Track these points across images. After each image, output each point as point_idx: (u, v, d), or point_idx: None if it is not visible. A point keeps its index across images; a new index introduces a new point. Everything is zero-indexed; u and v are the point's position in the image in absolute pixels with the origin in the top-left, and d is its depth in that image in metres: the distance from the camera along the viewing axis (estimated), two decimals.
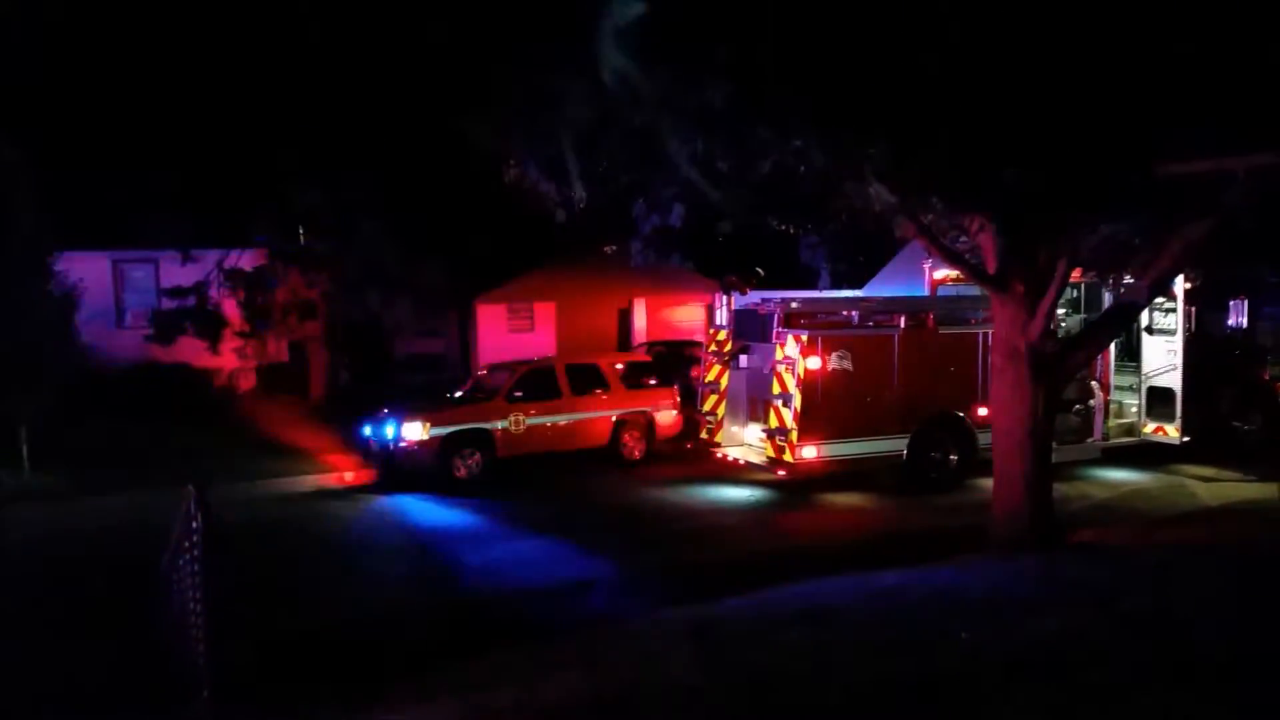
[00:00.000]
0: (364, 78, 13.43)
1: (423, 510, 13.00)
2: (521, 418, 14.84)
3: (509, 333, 24.41)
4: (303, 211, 19.30)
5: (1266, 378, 15.46)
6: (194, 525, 4.91)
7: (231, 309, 19.76)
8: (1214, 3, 6.86)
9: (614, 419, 15.71)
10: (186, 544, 4.94)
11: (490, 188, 9.59)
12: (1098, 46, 6.80)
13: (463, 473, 14.29)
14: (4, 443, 13.79)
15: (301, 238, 19.64)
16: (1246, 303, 14.85)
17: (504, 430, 14.65)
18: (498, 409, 14.74)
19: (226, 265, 19.58)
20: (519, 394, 14.98)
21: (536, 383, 15.28)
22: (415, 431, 14.06)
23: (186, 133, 17.64)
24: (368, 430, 14.85)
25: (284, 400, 20.06)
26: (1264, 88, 7.02)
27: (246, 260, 19.91)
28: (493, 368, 16.91)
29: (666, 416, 16.26)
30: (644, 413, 16.04)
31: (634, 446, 15.86)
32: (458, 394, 15.90)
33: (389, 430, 14.22)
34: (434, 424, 14.18)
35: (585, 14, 6.26)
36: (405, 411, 14.49)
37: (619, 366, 16.57)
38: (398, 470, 14.24)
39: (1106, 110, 7.30)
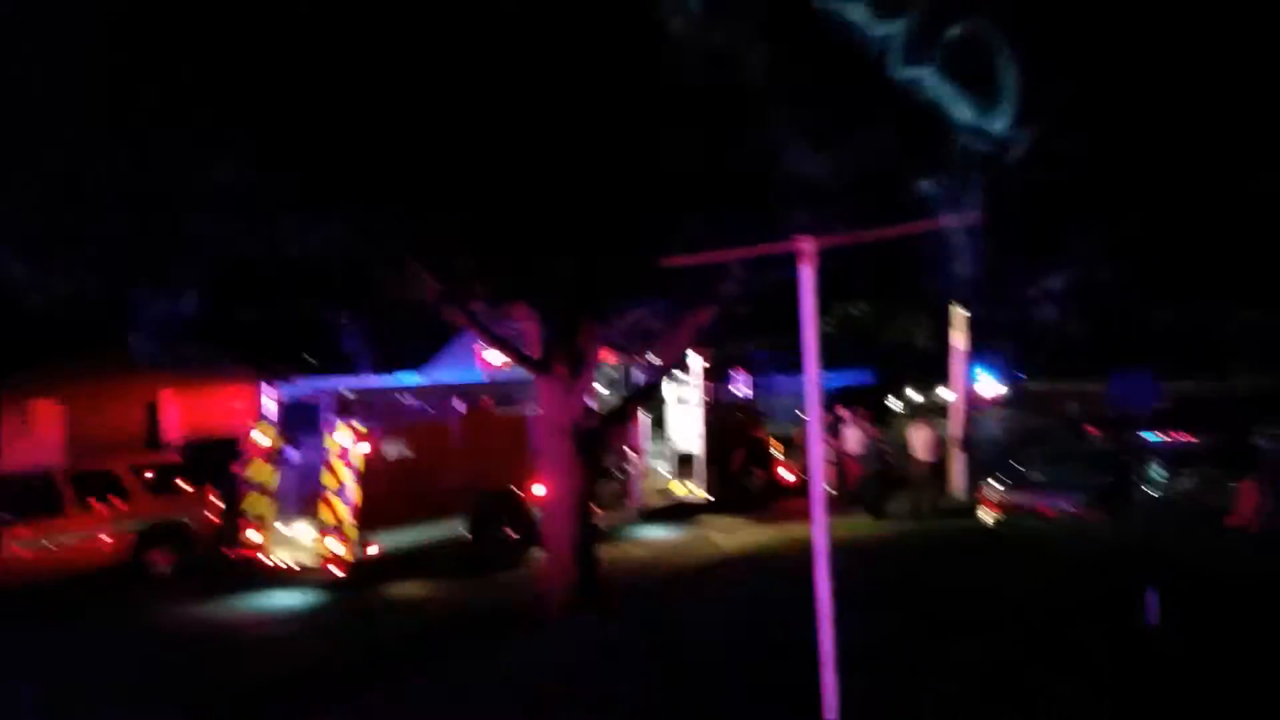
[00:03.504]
0: None
1: None
2: (10, 543, 12.23)
3: None
4: None
5: (764, 438, 18.10)
6: None
7: None
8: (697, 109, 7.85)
9: (136, 532, 13.63)
10: None
11: None
12: (609, 149, 7.48)
13: None
14: None
15: None
16: (746, 374, 17.44)
17: None
18: None
19: None
20: (3, 516, 12.33)
21: (28, 498, 12.72)
22: None
23: None
24: None
25: None
26: (737, 190, 8.19)
27: None
28: None
29: (203, 523, 14.50)
30: (175, 521, 14.14)
31: (163, 561, 13.88)
32: None
33: None
34: None
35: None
36: None
37: (144, 470, 14.49)
38: None
39: (620, 208, 8.06)
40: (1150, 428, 17.32)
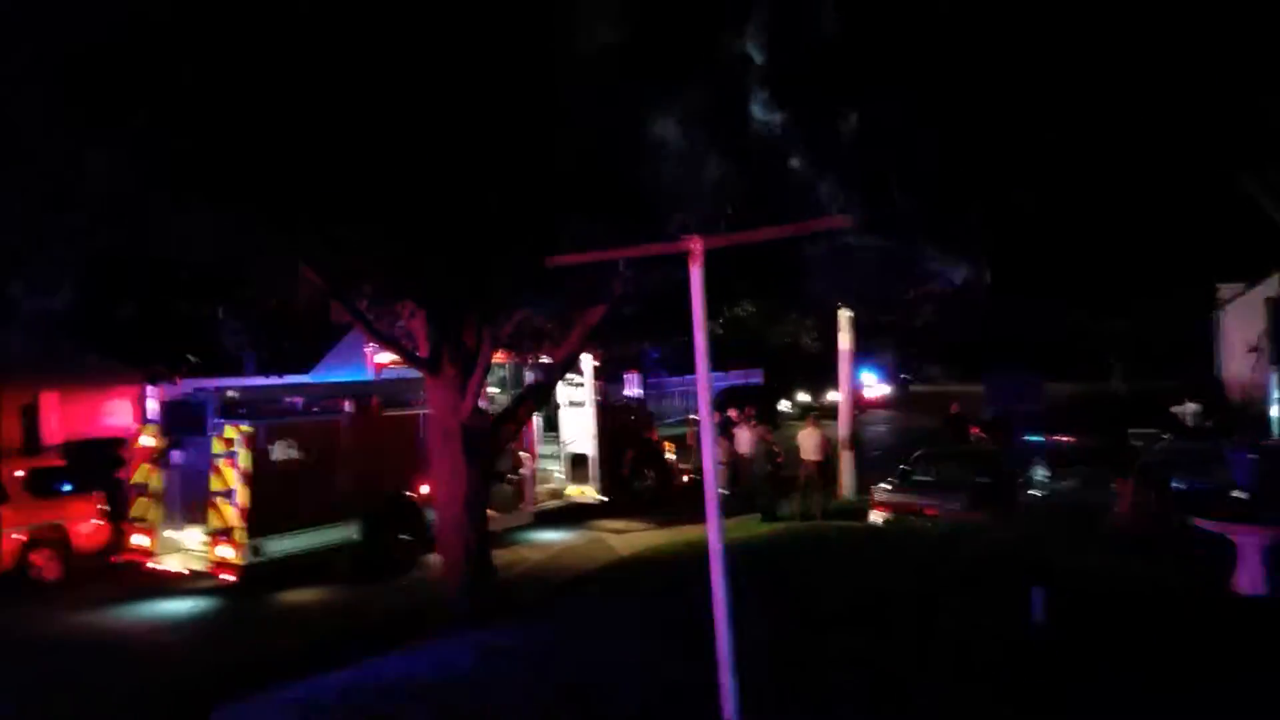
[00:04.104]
0: None
1: None
2: None
3: None
4: None
5: (656, 439, 18.34)
6: None
7: None
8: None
9: (17, 536, 13.10)
10: None
11: None
12: (497, 150, 7.58)
13: None
14: None
15: None
16: (638, 375, 17.67)
17: None
18: None
19: None
20: None
21: None
22: None
23: None
24: None
25: None
26: (624, 194, 8.38)
27: None
28: None
29: (87, 528, 14.01)
30: (57, 526, 13.63)
31: (45, 567, 13.38)
32: None
33: None
34: None
35: None
36: None
37: (20, 473, 13.93)
38: None
39: (505, 204, 8.16)
40: (1032, 429, 18.09)
